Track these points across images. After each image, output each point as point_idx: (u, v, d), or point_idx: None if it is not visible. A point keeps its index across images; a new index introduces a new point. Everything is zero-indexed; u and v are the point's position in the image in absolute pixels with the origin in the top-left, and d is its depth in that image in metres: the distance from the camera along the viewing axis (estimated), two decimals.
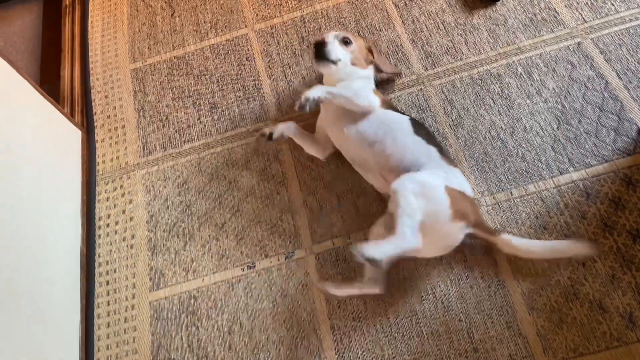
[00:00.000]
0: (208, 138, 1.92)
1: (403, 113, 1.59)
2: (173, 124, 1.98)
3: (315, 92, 1.48)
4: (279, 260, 1.66)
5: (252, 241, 1.70)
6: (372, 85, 1.67)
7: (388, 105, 1.60)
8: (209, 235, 1.73)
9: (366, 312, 1.53)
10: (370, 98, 1.54)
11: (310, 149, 1.73)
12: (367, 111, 1.54)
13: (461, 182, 1.44)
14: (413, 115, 1.76)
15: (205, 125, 1.95)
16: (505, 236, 1.39)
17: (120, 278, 1.73)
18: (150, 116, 2.02)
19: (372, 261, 1.20)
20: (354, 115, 1.55)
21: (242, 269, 1.66)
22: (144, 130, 1.99)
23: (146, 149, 1.95)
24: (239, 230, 1.72)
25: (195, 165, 1.87)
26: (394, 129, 1.51)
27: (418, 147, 1.48)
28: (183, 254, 1.72)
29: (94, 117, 2.08)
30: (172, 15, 2.24)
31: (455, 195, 1.35)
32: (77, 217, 1.84)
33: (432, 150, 1.48)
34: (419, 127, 1.55)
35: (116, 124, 2.04)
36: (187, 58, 2.12)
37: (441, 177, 1.37)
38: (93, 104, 2.11)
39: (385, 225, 1.47)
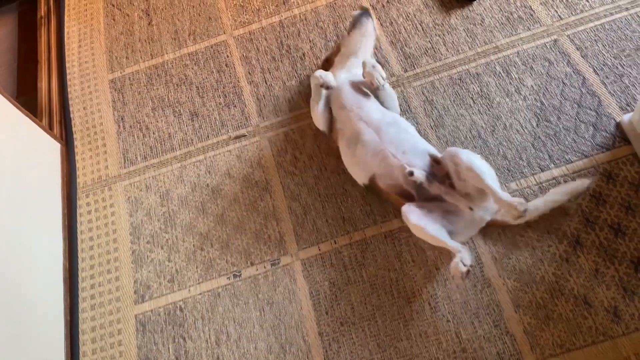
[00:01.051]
0: (189, 147, 1.90)
1: None
2: (154, 133, 1.96)
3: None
4: (264, 267, 1.64)
5: (237, 249, 1.68)
6: None
7: None
8: (194, 245, 1.72)
9: (354, 317, 1.53)
10: None
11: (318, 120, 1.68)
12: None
13: None
14: None
15: (186, 134, 1.93)
16: None
17: (104, 292, 1.71)
18: (130, 126, 2.00)
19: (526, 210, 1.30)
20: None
21: (228, 278, 1.65)
22: (124, 141, 1.97)
23: (127, 159, 1.93)
24: (224, 238, 1.71)
25: (178, 174, 1.86)
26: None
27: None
28: (168, 265, 1.71)
29: (73, 129, 2.05)
30: (149, 23, 2.22)
31: None
32: (59, 231, 1.81)
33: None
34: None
35: (96, 136, 2.01)
36: (166, 66, 2.10)
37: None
38: (72, 115, 2.08)
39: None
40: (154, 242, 1.75)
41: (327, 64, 1.80)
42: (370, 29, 1.77)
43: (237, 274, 1.65)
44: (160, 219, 1.79)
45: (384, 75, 1.55)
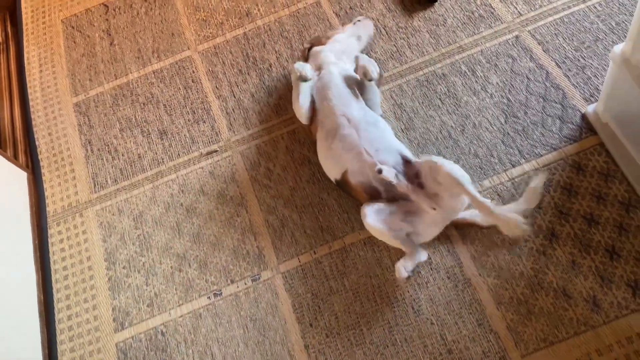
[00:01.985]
0: (161, 166, 1.87)
1: None
2: (123, 155, 1.92)
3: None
4: (245, 284, 1.62)
5: (216, 267, 1.66)
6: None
7: None
8: (171, 267, 1.69)
9: (339, 327, 1.52)
10: None
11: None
12: None
13: None
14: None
15: (156, 154, 1.90)
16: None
17: (82, 322, 1.66)
18: (99, 150, 1.95)
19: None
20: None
21: (209, 298, 1.62)
22: (93, 165, 1.93)
23: (97, 184, 1.89)
24: (202, 257, 1.68)
25: (150, 195, 1.82)
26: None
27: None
28: (146, 289, 1.67)
29: (39, 157, 1.99)
30: (111, 43, 2.19)
31: None
32: (31, 263, 1.76)
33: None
34: None
35: (63, 162, 1.96)
36: (131, 86, 2.06)
37: None
38: (37, 143, 2.03)
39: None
40: (130, 267, 1.71)
41: (307, 52, 1.81)
42: (370, 28, 1.83)
43: (218, 292, 1.62)
44: (135, 243, 1.75)
45: (378, 69, 1.58)
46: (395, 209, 1.45)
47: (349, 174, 1.51)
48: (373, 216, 1.44)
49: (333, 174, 1.59)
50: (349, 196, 1.64)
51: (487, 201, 1.35)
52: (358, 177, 1.49)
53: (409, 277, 1.44)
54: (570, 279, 1.45)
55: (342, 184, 1.57)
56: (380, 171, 1.40)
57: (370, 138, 1.50)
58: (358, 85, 1.64)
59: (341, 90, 1.60)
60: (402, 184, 1.41)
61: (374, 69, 1.57)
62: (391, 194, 1.47)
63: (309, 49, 1.80)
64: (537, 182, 1.47)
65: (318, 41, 1.80)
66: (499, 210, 1.35)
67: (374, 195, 1.49)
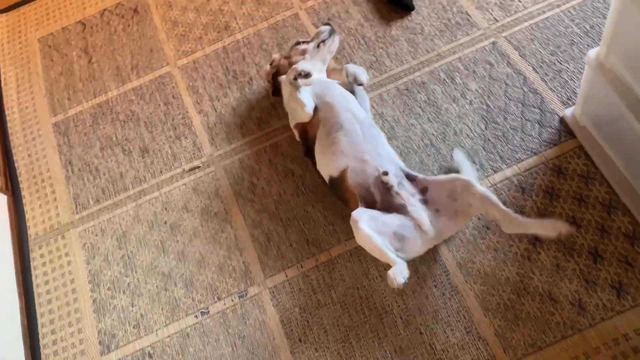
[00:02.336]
0: (143, 184, 1.86)
1: None
2: (104, 174, 1.90)
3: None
4: (232, 300, 1.61)
5: (202, 285, 1.64)
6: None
7: None
8: (157, 286, 1.67)
9: (328, 341, 1.51)
10: None
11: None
12: None
13: None
14: None
15: (138, 171, 1.88)
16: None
17: (67, 346, 1.63)
18: (79, 169, 1.93)
19: None
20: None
21: (196, 316, 1.61)
22: (74, 186, 1.90)
23: (79, 204, 1.86)
24: (187, 276, 1.67)
25: (133, 214, 1.80)
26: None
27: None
28: (132, 310, 1.65)
29: (19, 179, 1.97)
30: (89, 61, 2.17)
31: None
32: (13, 288, 1.73)
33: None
34: None
35: (44, 183, 1.93)
36: (110, 104, 2.05)
37: None
38: (16, 164, 2.00)
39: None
40: (115, 288, 1.69)
41: (276, 73, 1.79)
42: (335, 46, 1.78)
43: (205, 311, 1.61)
44: (120, 263, 1.73)
45: (367, 76, 1.61)
46: (389, 221, 1.39)
47: (348, 172, 1.47)
48: (366, 222, 1.36)
49: (330, 169, 1.54)
50: (338, 200, 1.60)
51: (519, 216, 1.38)
52: (357, 178, 1.46)
53: (404, 284, 1.30)
54: (555, 282, 1.46)
55: (337, 183, 1.52)
56: (386, 173, 1.41)
57: (372, 141, 1.51)
58: (351, 92, 1.65)
59: (343, 90, 1.62)
60: (405, 194, 1.41)
61: (363, 74, 1.60)
62: (386, 204, 1.43)
63: (274, 74, 1.78)
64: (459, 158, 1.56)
65: (282, 67, 1.77)
66: (531, 221, 1.41)
67: (368, 202, 1.44)
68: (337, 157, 1.51)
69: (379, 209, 1.43)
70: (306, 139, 1.63)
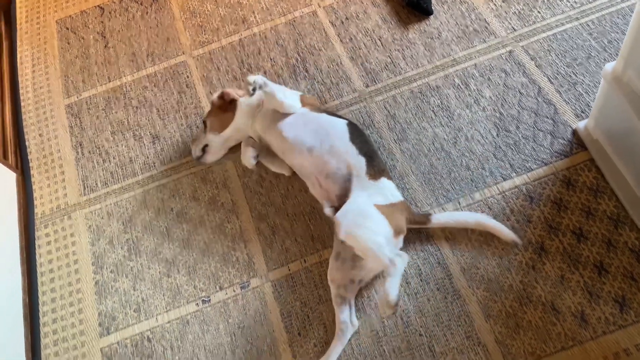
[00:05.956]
0: (152, 170, 1.86)
1: (340, 117, 1.66)
2: (114, 158, 1.91)
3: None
4: (234, 291, 1.61)
5: (205, 274, 1.65)
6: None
7: (320, 111, 1.67)
8: (160, 272, 1.67)
9: (327, 336, 1.51)
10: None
11: (275, 167, 1.74)
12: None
13: (385, 193, 1.50)
14: None
15: (148, 157, 1.89)
16: (434, 217, 1.53)
17: (67, 326, 1.64)
18: (89, 152, 1.94)
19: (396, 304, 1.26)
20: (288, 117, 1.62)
21: (197, 304, 1.61)
22: (83, 168, 1.91)
23: (87, 186, 1.87)
24: (191, 263, 1.67)
25: (141, 199, 1.81)
26: (330, 135, 1.56)
27: (350, 157, 1.52)
28: (133, 294, 1.65)
29: (29, 158, 1.98)
30: (105, 46, 2.18)
31: (386, 211, 1.43)
32: (17, 265, 1.73)
33: (362, 162, 1.52)
34: (355, 133, 1.59)
35: (53, 163, 1.94)
36: (124, 89, 2.06)
37: (366, 199, 1.45)
38: (27, 143, 2.01)
39: (339, 261, 1.50)
40: (118, 271, 1.70)
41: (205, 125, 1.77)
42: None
43: (206, 299, 1.61)
44: (124, 247, 1.73)
45: (260, 79, 1.54)
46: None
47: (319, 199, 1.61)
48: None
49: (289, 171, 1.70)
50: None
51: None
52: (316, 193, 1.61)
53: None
54: (558, 293, 1.45)
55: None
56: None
57: (316, 162, 1.56)
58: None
59: (267, 117, 1.66)
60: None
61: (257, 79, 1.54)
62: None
63: (205, 122, 1.76)
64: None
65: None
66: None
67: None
68: (312, 190, 1.63)
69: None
70: None
